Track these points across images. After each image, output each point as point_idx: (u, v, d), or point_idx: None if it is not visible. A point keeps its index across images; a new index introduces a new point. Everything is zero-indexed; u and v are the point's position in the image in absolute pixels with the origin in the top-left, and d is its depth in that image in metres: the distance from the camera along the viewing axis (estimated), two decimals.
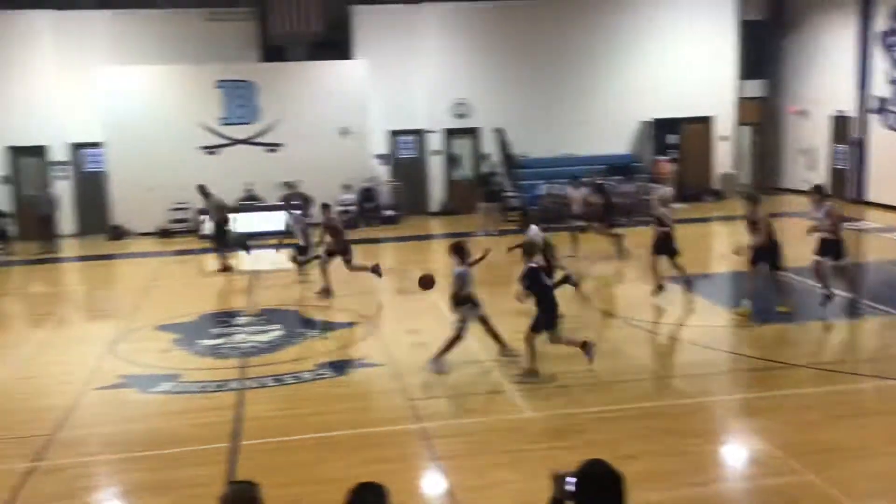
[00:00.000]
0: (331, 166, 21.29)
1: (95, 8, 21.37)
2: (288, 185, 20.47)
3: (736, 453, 7.80)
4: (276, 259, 16.58)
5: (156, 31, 21.18)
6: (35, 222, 19.75)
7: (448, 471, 7.37)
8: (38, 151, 21.11)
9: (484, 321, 10.17)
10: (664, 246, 12.90)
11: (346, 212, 20.97)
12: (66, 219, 20.87)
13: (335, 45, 22.13)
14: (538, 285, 9.45)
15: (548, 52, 22.89)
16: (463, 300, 9.87)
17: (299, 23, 21.40)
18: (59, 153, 21.15)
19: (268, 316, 13.08)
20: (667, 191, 16.34)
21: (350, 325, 12.51)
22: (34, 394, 9.94)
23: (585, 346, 9.60)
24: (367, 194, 21.87)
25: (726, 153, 24.22)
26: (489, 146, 23.00)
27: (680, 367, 10.34)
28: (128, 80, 20.76)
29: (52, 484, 7.45)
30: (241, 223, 19.86)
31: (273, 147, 21.58)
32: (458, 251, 9.96)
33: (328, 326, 12.50)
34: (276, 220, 17.78)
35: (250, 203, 20.69)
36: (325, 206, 14.34)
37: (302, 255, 14.93)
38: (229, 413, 8.97)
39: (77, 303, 15.22)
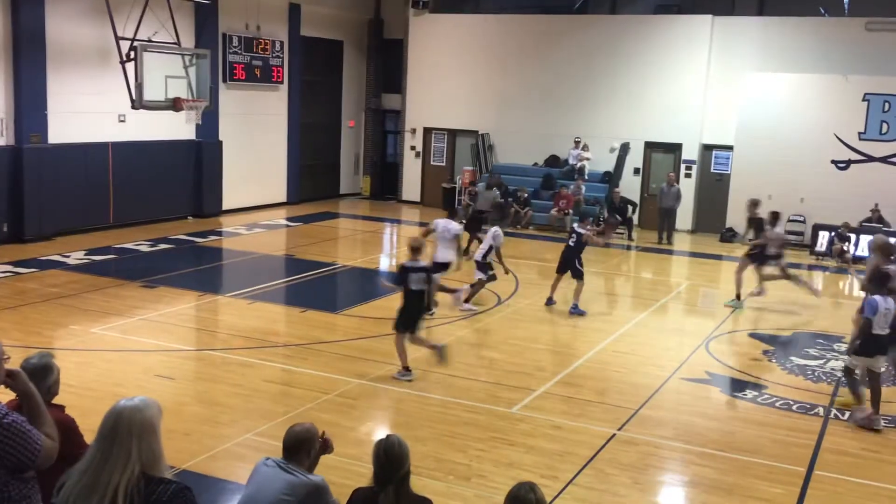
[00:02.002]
0: None
1: (752, 14, 21.77)
2: None
3: None
4: None
5: (808, 38, 20.68)
6: (656, 214, 21.10)
7: None
8: (670, 148, 22.45)
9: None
10: None
11: None
12: (685, 215, 21.85)
13: None
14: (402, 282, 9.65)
15: None
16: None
17: None
18: (689, 152, 22.19)
19: None
20: None
21: None
22: (627, 369, 10.73)
23: (437, 349, 9.78)
24: None
25: None
26: None
27: None
28: (768, 87, 20.74)
29: (625, 454, 7.98)
30: (859, 246, 18.64)
31: None
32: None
33: None
34: None
35: (874, 226, 19.13)
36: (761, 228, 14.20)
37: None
38: (809, 438, 8.53)
39: (679, 294, 15.89)
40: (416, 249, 9.80)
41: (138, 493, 3.07)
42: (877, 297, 8.74)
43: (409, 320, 9.70)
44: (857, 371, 9.00)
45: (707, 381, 10.32)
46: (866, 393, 8.96)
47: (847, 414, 9.15)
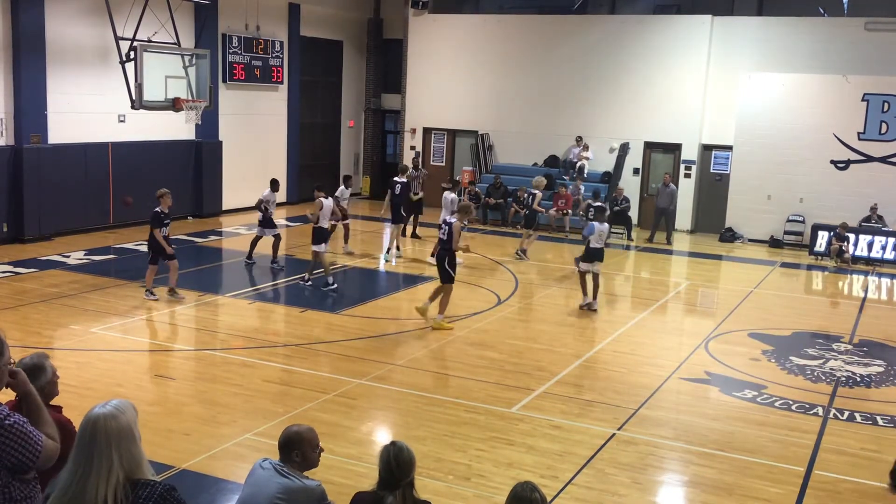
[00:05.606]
0: None
1: (751, 14, 21.77)
2: None
3: None
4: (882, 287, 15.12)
5: (807, 38, 20.69)
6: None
7: None
8: (669, 148, 22.46)
9: None
10: None
11: None
12: (684, 215, 21.86)
13: None
14: None
15: None
16: None
17: None
18: (688, 152, 22.18)
19: (869, 348, 12.04)
20: None
21: None
22: (626, 369, 10.74)
23: None
24: None
25: None
26: None
27: None
28: (768, 87, 20.76)
29: (625, 453, 7.99)
30: (858, 245, 18.66)
31: None
32: None
33: None
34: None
35: (872, 226, 19.16)
36: None
37: None
38: (809, 438, 8.54)
39: (678, 294, 15.91)
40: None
41: (125, 497, 3.06)
42: (595, 223, 13.40)
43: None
44: (587, 273, 13.37)
45: (706, 381, 10.33)
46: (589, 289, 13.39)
47: None
